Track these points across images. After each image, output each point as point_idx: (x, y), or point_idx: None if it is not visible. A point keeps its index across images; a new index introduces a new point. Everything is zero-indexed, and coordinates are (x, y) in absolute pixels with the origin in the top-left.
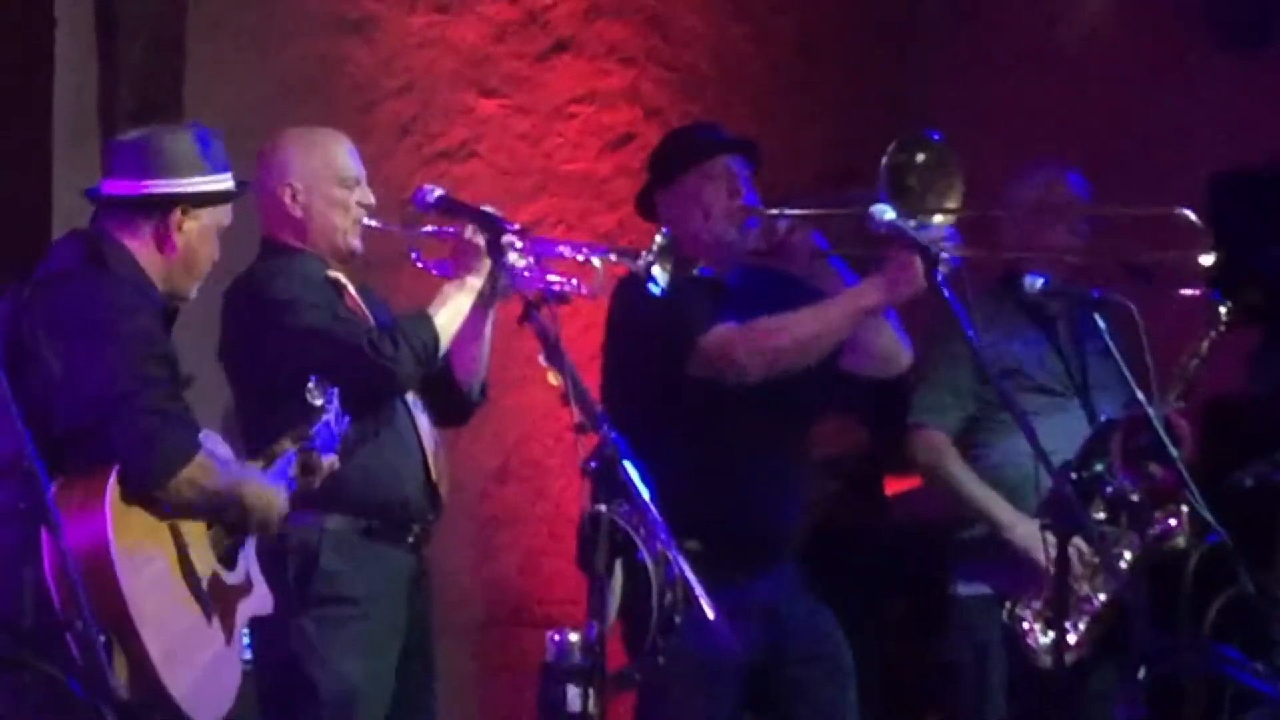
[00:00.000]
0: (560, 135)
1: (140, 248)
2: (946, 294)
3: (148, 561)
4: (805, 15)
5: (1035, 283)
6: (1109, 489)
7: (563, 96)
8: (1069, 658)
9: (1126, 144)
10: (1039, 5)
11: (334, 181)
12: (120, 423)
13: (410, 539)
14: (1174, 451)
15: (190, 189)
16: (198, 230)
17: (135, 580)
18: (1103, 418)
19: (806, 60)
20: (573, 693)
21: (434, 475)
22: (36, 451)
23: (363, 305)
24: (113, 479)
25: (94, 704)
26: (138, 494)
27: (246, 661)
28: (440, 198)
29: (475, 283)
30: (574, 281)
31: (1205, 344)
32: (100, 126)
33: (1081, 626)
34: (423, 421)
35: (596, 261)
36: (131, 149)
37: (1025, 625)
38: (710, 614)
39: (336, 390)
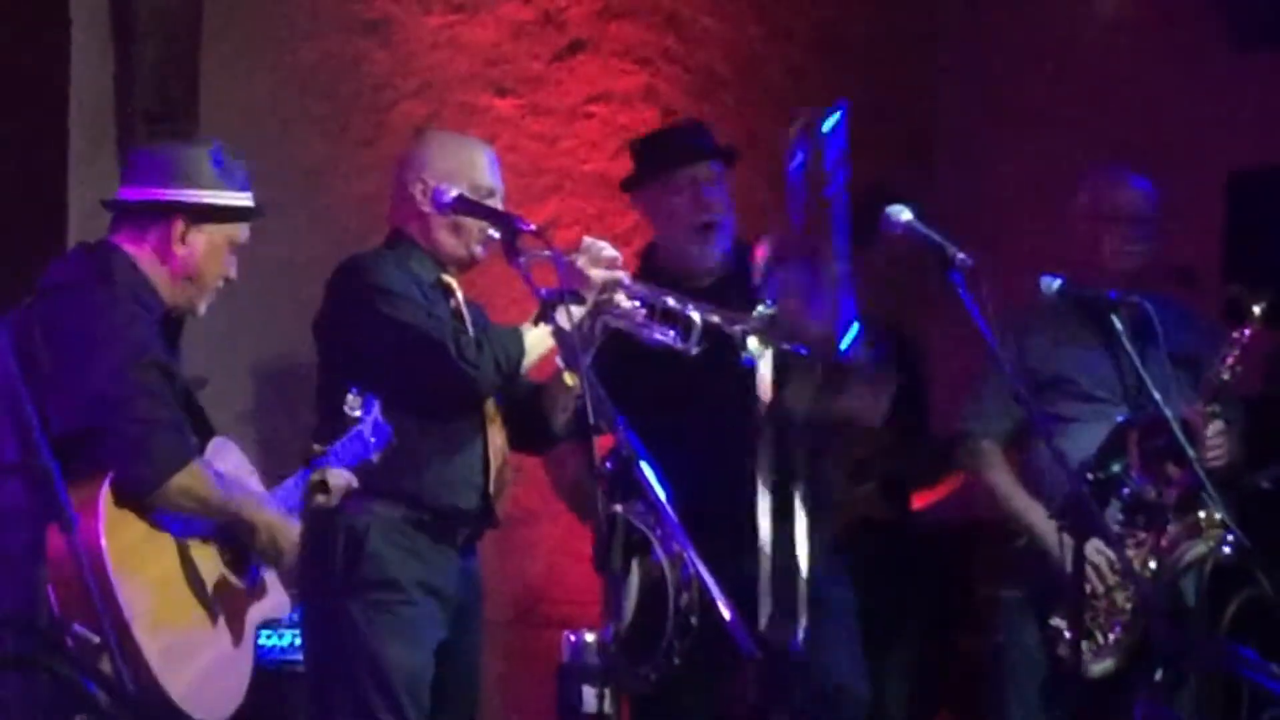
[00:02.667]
0: (576, 135)
1: (144, 255)
2: (962, 295)
3: (143, 565)
4: (824, 15)
5: (1051, 284)
6: (1126, 490)
7: (579, 97)
8: (1102, 665)
9: (1146, 142)
10: (1060, 4)
11: (467, 187)
12: (112, 430)
13: (459, 540)
14: (1191, 452)
15: (192, 199)
16: (204, 244)
17: (130, 582)
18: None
19: (825, 60)
20: (589, 693)
21: (492, 490)
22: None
23: (465, 313)
24: (106, 484)
25: (112, 704)
26: (131, 500)
27: (293, 654)
28: (457, 197)
29: (575, 312)
30: (671, 334)
31: (1237, 348)
32: (116, 127)
33: (1113, 636)
34: (495, 438)
35: (698, 317)
36: (145, 157)
37: (1066, 635)
38: (727, 615)
39: (377, 401)
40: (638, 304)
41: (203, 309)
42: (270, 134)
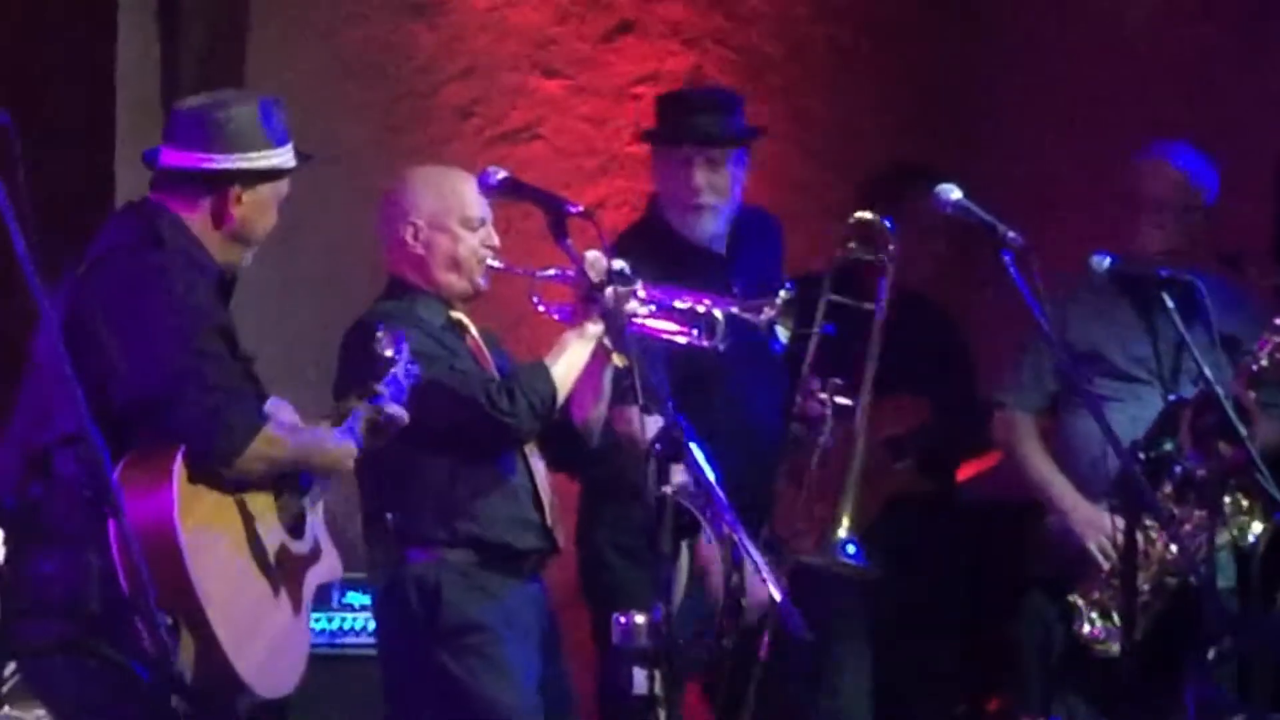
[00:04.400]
0: (624, 117)
1: (196, 220)
2: (1014, 274)
3: (214, 541)
4: None
5: (1102, 262)
6: (1178, 468)
7: (626, 78)
8: (1115, 647)
9: (1195, 122)
10: None
11: (456, 221)
12: (183, 401)
13: (526, 570)
14: (1243, 430)
15: (250, 165)
16: (256, 203)
17: (201, 561)
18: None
19: (873, 40)
20: (639, 675)
21: (549, 521)
22: (99, 433)
23: (484, 348)
24: (179, 459)
25: (160, 689)
26: (205, 472)
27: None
28: (504, 179)
29: (595, 330)
30: (695, 332)
31: (1277, 337)
32: (163, 109)
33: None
34: (539, 467)
35: (718, 313)
36: (195, 120)
37: (1082, 613)
38: (778, 596)
39: (405, 337)
40: (654, 308)
41: (248, 261)
42: (316, 116)
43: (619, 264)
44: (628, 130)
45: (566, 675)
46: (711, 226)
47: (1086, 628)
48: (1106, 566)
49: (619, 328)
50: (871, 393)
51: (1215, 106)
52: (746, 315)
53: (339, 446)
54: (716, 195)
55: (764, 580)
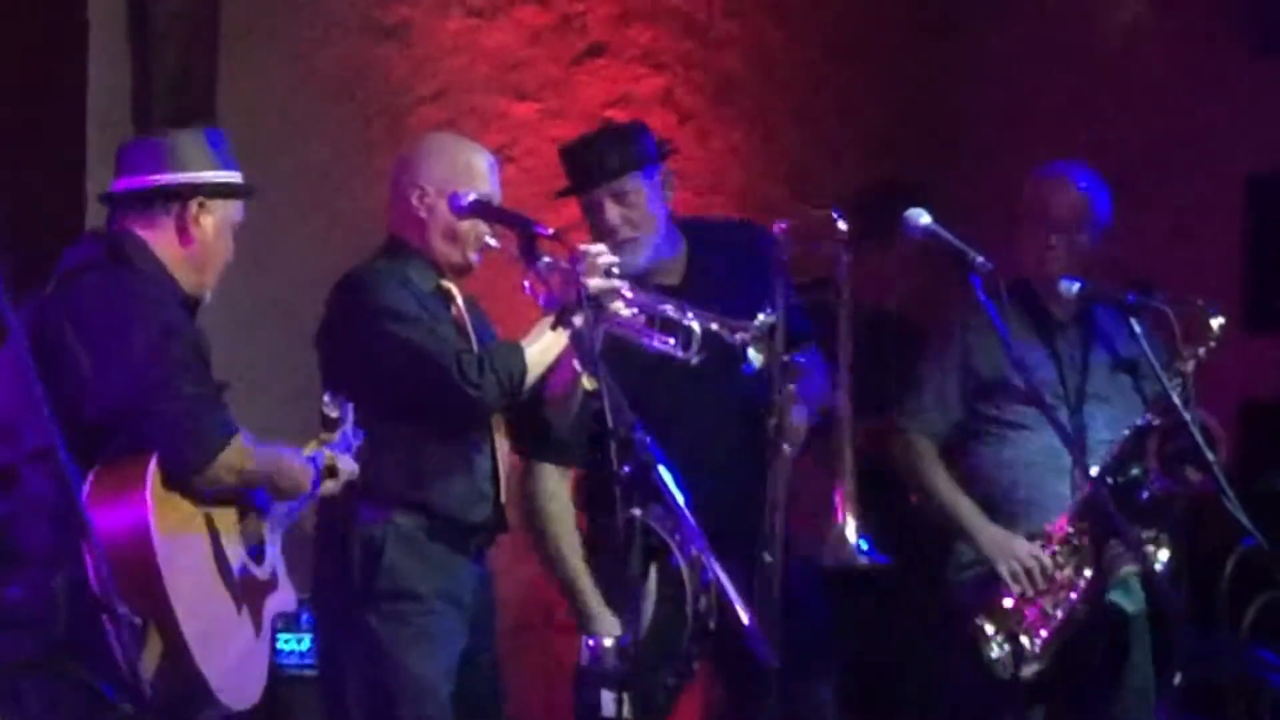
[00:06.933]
0: None
1: (159, 241)
2: (982, 299)
3: (186, 547)
4: (841, 18)
5: (1071, 287)
6: (1145, 493)
7: (597, 101)
8: (1029, 669)
9: (1164, 146)
10: (1077, 6)
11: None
12: (157, 410)
13: (472, 547)
14: (1210, 455)
15: (207, 179)
16: (213, 224)
17: (174, 566)
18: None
19: (843, 63)
20: (607, 697)
21: (503, 498)
22: (66, 447)
23: (467, 319)
24: (153, 465)
25: (126, 708)
26: (178, 480)
27: (306, 663)
28: (474, 201)
29: (575, 323)
30: (671, 341)
31: (1192, 362)
32: (134, 130)
33: (1039, 640)
34: (502, 445)
35: (696, 326)
36: (141, 147)
37: (985, 634)
38: (745, 620)
39: (351, 405)
40: (637, 312)
41: (209, 294)
42: (288, 137)
43: (611, 258)
44: None
45: (493, 655)
46: (641, 258)
47: (994, 652)
48: (1017, 591)
49: (589, 351)
50: (851, 378)
51: (1186, 129)
52: (722, 333)
53: (302, 468)
54: (632, 227)
55: (732, 604)
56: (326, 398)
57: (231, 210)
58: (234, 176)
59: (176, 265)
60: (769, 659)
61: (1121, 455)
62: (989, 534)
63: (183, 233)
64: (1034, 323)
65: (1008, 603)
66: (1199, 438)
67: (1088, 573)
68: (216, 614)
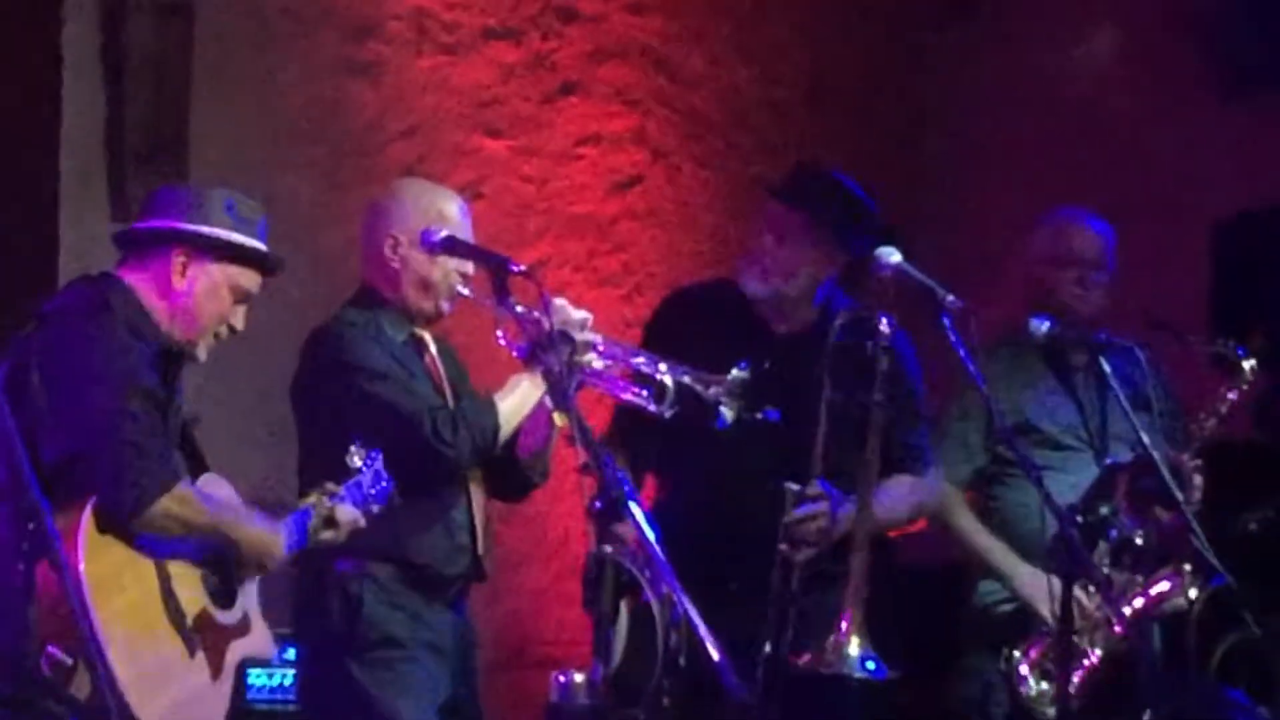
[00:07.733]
0: (566, 177)
1: (143, 286)
2: (953, 339)
3: (121, 590)
4: (813, 57)
5: (1041, 326)
6: (1114, 533)
7: (569, 138)
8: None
9: (1135, 187)
10: (1048, 49)
11: None
12: (96, 455)
13: (450, 596)
14: (1180, 495)
15: (191, 230)
16: (204, 281)
17: (107, 607)
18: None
19: (814, 102)
20: None
21: (480, 549)
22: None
23: (440, 368)
24: (88, 509)
25: None
26: (113, 524)
27: (276, 698)
28: (446, 238)
29: (548, 360)
30: (644, 394)
31: (1225, 404)
32: (107, 167)
33: (1075, 679)
34: (477, 495)
35: (669, 380)
36: (162, 194)
37: (1022, 673)
38: (716, 656)
39: (380, 454)
40: (610, 364)
41: (202, 354)
42: (260, 175)
43: (583, 314)
44: (570, 191)
45: (474, 702)
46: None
47: (1026, 688)
48: (1046, 629)
49: (561, 389)
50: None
51: (1152, 173)
52: (696, 386)
53: (266, 533)
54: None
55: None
56: (353, 447)
57: (234, 274)
58: (243, 239)
59: (159, 313)
60: (739, 692)
61: (1092, 494)
62: (1023, 575)
63: (164, 282)
64: (1051, 367)
65: (1043, 640)
66: (1167, 477)
67: (1127, 610)
68: (159, 659)
